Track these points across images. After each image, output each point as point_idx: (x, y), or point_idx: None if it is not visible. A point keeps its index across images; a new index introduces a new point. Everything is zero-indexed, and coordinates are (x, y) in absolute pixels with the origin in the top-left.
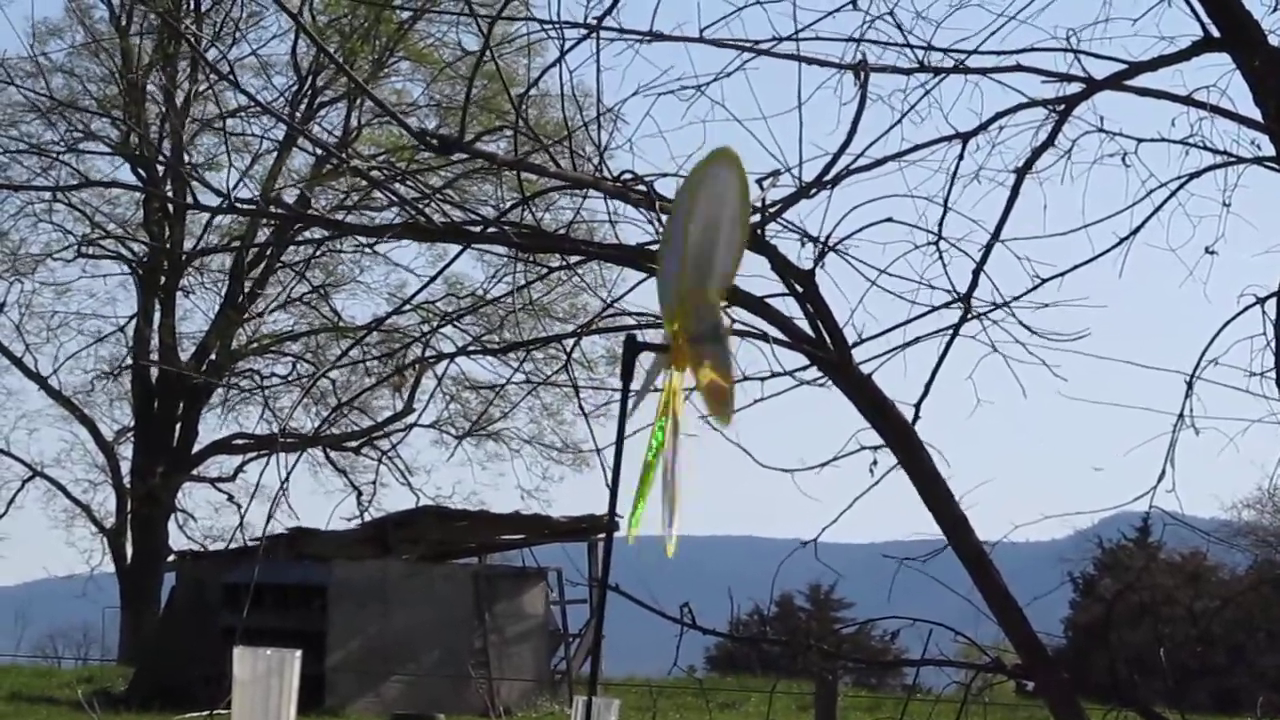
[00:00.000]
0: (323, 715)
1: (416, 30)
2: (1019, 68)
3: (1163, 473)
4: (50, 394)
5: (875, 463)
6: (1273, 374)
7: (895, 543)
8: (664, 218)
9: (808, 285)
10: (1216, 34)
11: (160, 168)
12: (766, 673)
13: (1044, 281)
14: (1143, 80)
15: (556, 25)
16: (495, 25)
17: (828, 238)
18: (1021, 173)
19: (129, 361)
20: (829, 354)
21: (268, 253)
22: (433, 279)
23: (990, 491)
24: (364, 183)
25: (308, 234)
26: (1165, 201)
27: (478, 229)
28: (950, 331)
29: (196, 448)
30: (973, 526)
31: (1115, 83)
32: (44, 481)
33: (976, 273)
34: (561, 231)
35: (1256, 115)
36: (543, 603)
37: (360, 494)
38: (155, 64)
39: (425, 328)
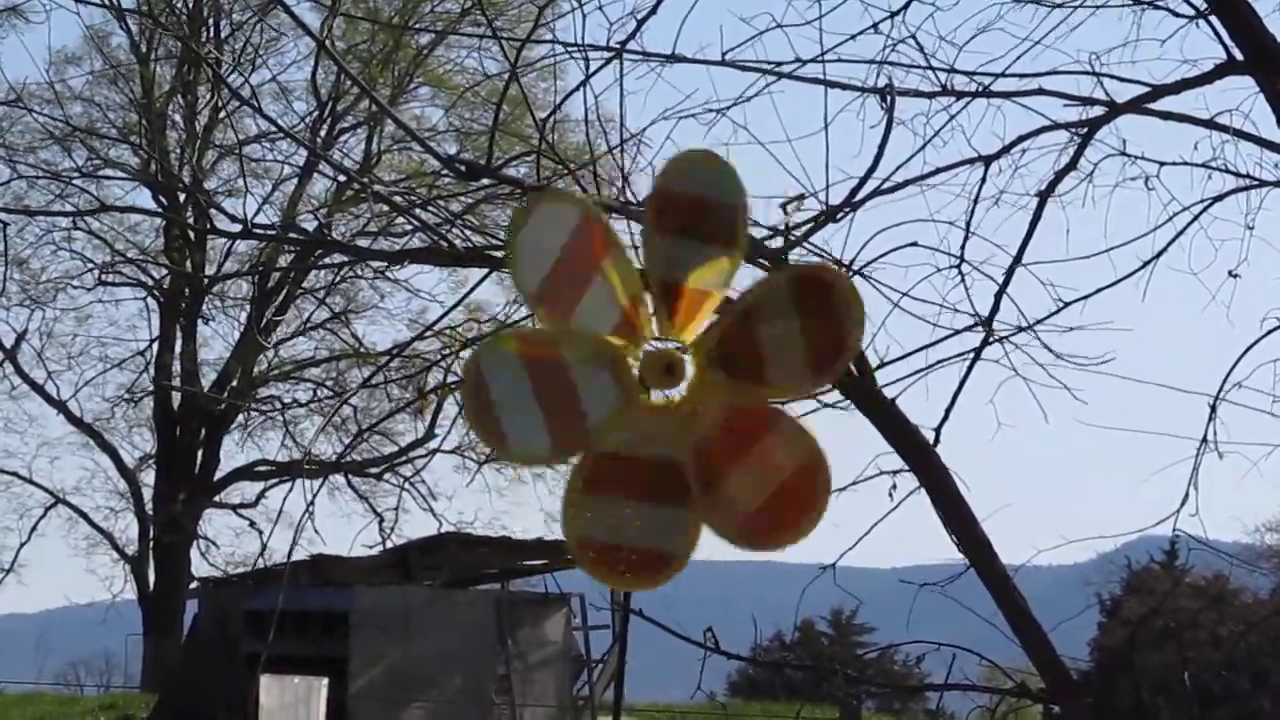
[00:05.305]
0: None
1: (435, 55)
2: (1041, 91)
3: (1186, 496)
4: (71, 421)
5: (894, 486)
6: None
7: (919, 567)
8: None
9: None
10: (1240, 57)
11: (181, 194)
12: (790, 698)
13: (1066, 305)
14: (1165, 103)
15: (581, 49)
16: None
17: (852, 262)
18: (1044, 196)
19: (150, 388)
20: (852, 379)
21: (289, 278)
22: (455, 305)
23: (1012, 515)
24: (385, 208)
25: (329, 259)
26: (1188, 225)
27: (499, 254)
28: (972, 355)
29: (218, 474)
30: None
31: (1137, 106)
32: (65, 509)
33: (999, 296)
34: None
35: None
36: (565, 628)
37: (382, 520)
38: (175, 90)
39: (447, 353)
